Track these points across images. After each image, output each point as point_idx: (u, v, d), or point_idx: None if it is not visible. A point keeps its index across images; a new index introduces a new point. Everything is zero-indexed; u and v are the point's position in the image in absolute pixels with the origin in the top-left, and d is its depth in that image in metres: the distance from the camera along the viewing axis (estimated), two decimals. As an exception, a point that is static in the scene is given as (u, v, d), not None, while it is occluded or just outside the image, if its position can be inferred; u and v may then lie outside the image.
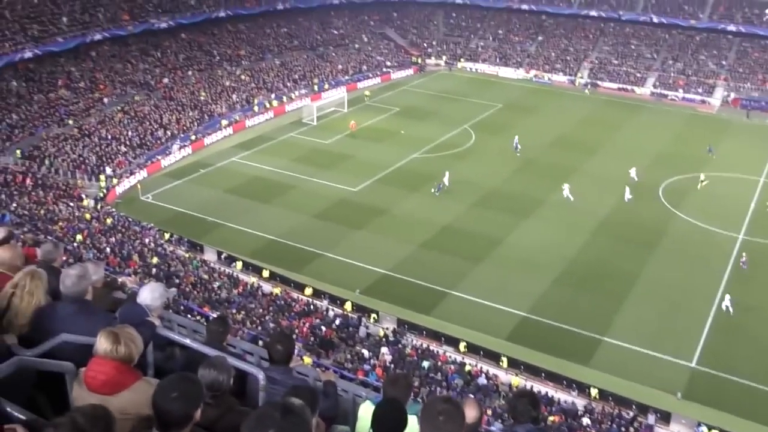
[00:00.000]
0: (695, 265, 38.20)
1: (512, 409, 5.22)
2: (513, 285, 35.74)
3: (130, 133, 52.38)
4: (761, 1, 75.83)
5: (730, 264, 38.38)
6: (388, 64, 78.73)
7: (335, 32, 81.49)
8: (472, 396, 24.66)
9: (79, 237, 35.34)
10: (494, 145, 55.10)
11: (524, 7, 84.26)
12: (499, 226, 41.74)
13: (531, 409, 5.05)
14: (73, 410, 3.16)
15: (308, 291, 34.94)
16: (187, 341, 5.17)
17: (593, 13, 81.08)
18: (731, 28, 74.88)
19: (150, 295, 5.77)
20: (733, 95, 69.89)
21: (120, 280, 9.24)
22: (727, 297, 34.12)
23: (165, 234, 39.83)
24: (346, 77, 73.01)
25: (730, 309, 33.65)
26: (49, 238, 32.21)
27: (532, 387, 28.76)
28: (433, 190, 46.31)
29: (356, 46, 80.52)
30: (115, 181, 46.22)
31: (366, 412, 5.48)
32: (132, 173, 48.05)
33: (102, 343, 4.06)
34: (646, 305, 34.36)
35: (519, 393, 5.28)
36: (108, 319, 4.97)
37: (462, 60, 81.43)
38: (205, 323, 7.56)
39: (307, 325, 31.10)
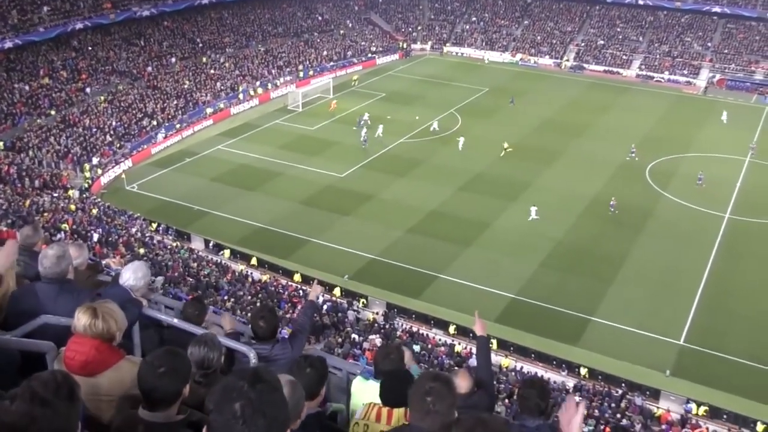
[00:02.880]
0: (682, 245, 38.39)
1: (520, 399, 5.17)
2: (502, 267, 35.81)
3: (114, 122, 51.88)
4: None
5: (716, 243, 38.61)
6: (374, 49, 78.36)
7: (320, 18, 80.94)
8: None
9: (64, 226, 35.05)
10: (481, 129, 55.06)
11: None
12: (487, 210, 41.76)
13: (539, 401, 4.99)
14: (32, 378, 2.77)
15: (297, 277, 34.87)
16: (175, 321, 5.07)
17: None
18: (716, 9, 75.07)
19: (133, 275, 5.57)
20: (718, 76, 70.14)
21: (104, 261, 9.12)
22: None
23: (152, 224, 39.59)
24: (332, 63, 72.62)
25: None
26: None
27: (521, 368, 28.93)
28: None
29: (341, 31, 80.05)
30: (99, 171, 45.83)
31: (358, 387, 5.44)
32: (117, 163, 47.64)
33: (80, 319, 3.86)
34: (634, 285, 34.53)
35: (529, 383, 5.14)
36: (91, 296, 4.82)
37: (448, 44, 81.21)
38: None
39: (297, 308, 31.04)
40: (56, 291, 4.76)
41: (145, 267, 5.82)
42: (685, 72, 71.56)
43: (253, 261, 36.28)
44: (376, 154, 50.06)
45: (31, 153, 45.26)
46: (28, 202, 37.82)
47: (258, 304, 29.51)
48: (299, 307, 30.84)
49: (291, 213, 41.39)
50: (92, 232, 35.81)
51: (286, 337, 6.10)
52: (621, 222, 40.61)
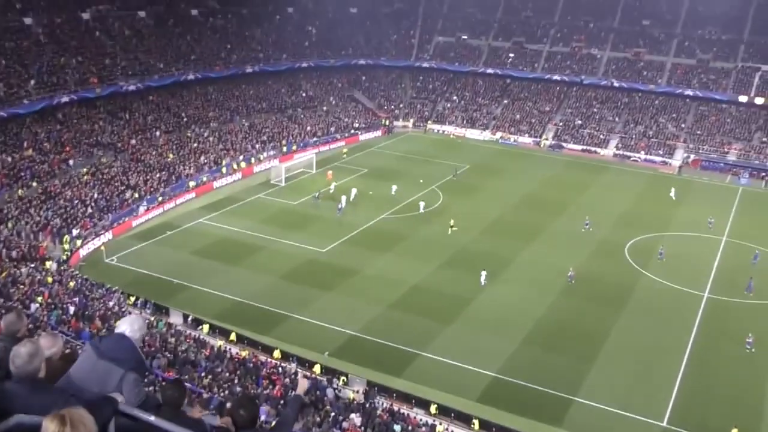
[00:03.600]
0: (663, 323, 38.44)
1: None
2: (483, 345, 35.55)
3: (95, 194, 51.82)
4: (715, 68, 78.96)
5: (696, 322, 38.72)
6: (356, 125, 79.64)
7: (303, 94, 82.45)
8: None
9: (39, 299, 34.47)
10: (462, 206, 55.60)
11: (489, 71, 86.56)
12: (469, 286, 41.74)
13: None
14: None
15: (276, 353, 34.31)
16: (152, 419, 4.92)
17: (556, 77, 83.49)
18: (689, 92, 77.56)
19: (129, 327, 5.62)
20: (692, 156, 71.86)
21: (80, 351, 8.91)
22: None
23: (130, 297, 39.05)
24: (315, 139, 73.59)
25: None
26: (9, 304, 31.46)
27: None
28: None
29: (324, 108, 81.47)
30: (78, 243, 45.45)
31: None
32: (97, 235, 47.34)
33: (48, 428, 3.76)
34: (616, 364, 34.34)
35: None
36: (64, 397, 4.71)
37: (429, 122, 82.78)
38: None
39: (276, 385, 30.43)
40: (28, 391, 4.61)
41: (141, 320, 5.79)
42: (661, 152, 73.29)
43: (232, 336, 35.72)
44: (357, 230, 50.22)
45: (9, 224, 44.90)
46: (4, 274, 37.27)
47: (237, 388, 28.96)
48: (278, 385, 30.27)
49: (272, 287, 41.11)
50: (68, 305, 35.22)
51: (267, 420, 6.00)
52: (601, 299, 40.71)
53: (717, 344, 36.69)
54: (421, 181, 59.48)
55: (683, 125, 76.55)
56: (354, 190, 56.18)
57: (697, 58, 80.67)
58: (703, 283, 43.35)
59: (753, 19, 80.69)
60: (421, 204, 54.43)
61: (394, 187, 57.71)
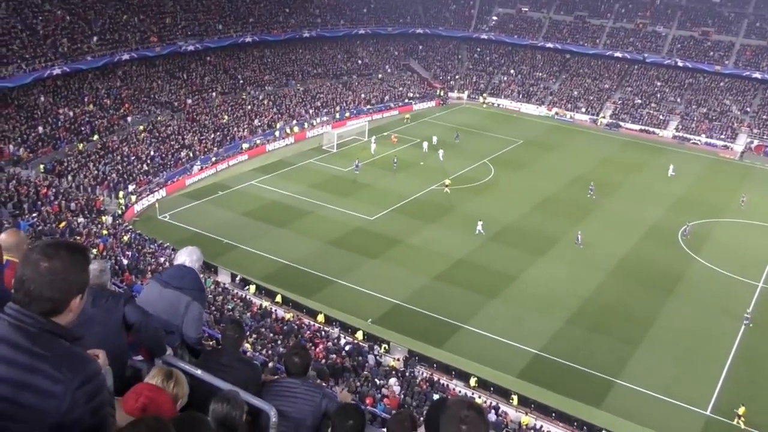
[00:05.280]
0: (713, 311, 37.62)
1: None
2: (527, 322, 35.36)
3: (152, 151, 52.83)
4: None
5: (748, 312, 37.77)
6: (411, 95, 79.16)
7: (359, 62, 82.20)
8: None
9: (95, 251, 35.49)
10: (513, 181, 55.03)
11: (549, 45, 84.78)
12: (515, 262, 41.44)
13: None
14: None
15: (320, 318, 34.75)
16: (198, 372, 5.01)
17: (618, 54, 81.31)
18: (756, 75, 74.68)
19: (189, 257, 5.80)
20: (756, 142, 69.49)
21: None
22: None
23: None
24: (369, 107, 73.45)
25: None
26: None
27: (541, 427, 28.30)
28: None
29: (379, 76, 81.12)
30: (133, 198, 46.51)
31: None
32: (151, 192, 48.36)
33: (154, 377, 4.06)
34: (661, 350, 33.79)
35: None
36: (125, 297, 5.04)
37: (485, 95, 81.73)
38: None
39: (320, 346, 30.87)
40: (92, 295, 4.88)
41: (198, 251, 5.98)
42: (723, 136, 71.02)
43: (278, 298, 36.26)
44: (408, 199, 50.15)
45: (69, 177, 46.17)
46: (63, 224, 38.44)
47: (280, 349, 29.42)
48: (320, 346, 30.68)
49: (319, 252, 41.49)
50: (122, 257, 36.20)
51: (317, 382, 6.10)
52: (651, 283, 39.97)
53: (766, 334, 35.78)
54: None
55: (748, 109, 73.93)
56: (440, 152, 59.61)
57: (768, 39, 77.62)
58: (759, 272, 42.18)
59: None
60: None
61: (441, 152, 59.00)
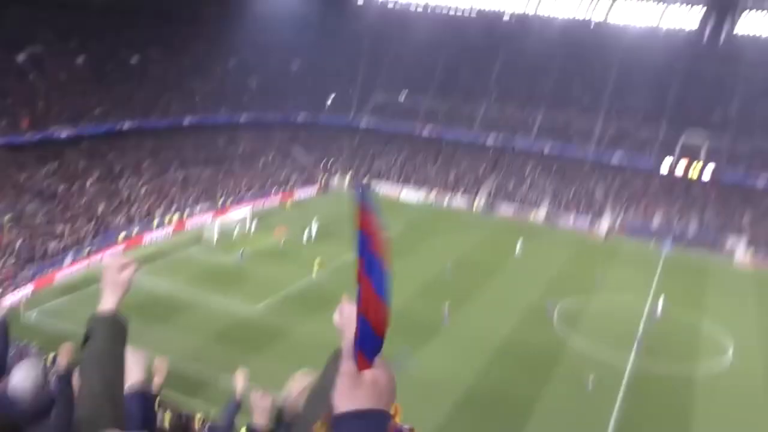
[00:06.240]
0: (586, 390, 39.19)
1: None
2: (412, 410, 35.37)
3: (20, 243, 50.09)
4: (641, 136, 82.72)
5: (622, 386, 39.62)
6: (293, 181, 79.72)
7: (241, 148, 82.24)
8: None
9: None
10: (393, 267, 55.78)
11: (426, 132, 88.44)
12: (399, 349, 41.69)
13: None
14: None
15: (198, 416, 33.33)
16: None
17: (491, 139, 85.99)
18: (615, 159, 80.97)
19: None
20: (619, 221, 74.55)
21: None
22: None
23: (48, 355, 37.50)
24: (251, 193, 73.24)
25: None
26: None
27: None
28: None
29: (261, 162, 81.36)
30: (-3, 295, 43.70)
31: None
32: (17, 287, 45.62)
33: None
34: (542, 433, 34.71)
35: None
36: None
37: (365, 180, 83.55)
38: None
39: None
40: None
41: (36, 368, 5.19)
42: (589, 216, 75.73)
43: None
44: (288, 287, 49.80)
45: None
46: None
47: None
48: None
49: (200, 348, 40.20)
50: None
51: None
52: (529, 366, 41.25)
53: (643, 410, 37.55)
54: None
55: (610, 191, 79.51)
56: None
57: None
58: (629, 348, 44.46)
59: (676, 90, 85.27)
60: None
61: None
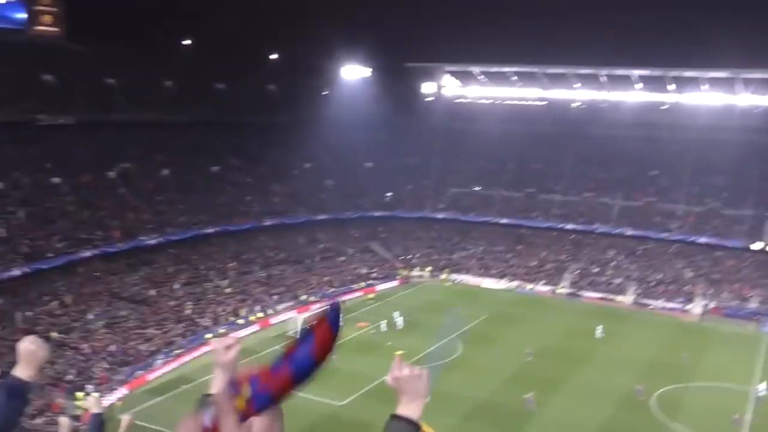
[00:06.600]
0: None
1: None
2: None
3: (114, 347, 51.65)
4: (727, 215, 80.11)
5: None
6: (374, 275, 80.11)
7: (321, 246, 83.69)
8: None
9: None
10: (481, 356, 54.77)
11: (504, 221, 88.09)
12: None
13: None
14: None
15: None
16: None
17: (569, 226, 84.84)
18: (702, 240, 78.32)
19: None
20: (712, 304, 71.16)
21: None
22: None
23: (142, 456, 37.92)
24: (332, 290, 73.86)
25: None
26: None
27: None
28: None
29: (341, 258, 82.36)
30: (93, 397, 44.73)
31: None
32: (113, 390, 46.71)
33: None
34: None
35: None
36: None
37: (445, 271, 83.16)
38: None
39: None
40: None
41: None
42: (680, 299, 72.65)
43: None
44: (375, 382, 49.21)
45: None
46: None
47: None
48: None
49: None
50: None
51: None
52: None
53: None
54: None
55: (700, 272, 76.49)
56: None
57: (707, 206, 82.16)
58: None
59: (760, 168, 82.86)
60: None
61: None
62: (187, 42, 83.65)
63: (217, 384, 3.92)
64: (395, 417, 3.22)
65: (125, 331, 54.54)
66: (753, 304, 70.30)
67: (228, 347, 4.00)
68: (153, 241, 65.14)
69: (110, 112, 72.44)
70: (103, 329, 53.51)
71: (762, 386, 47.91)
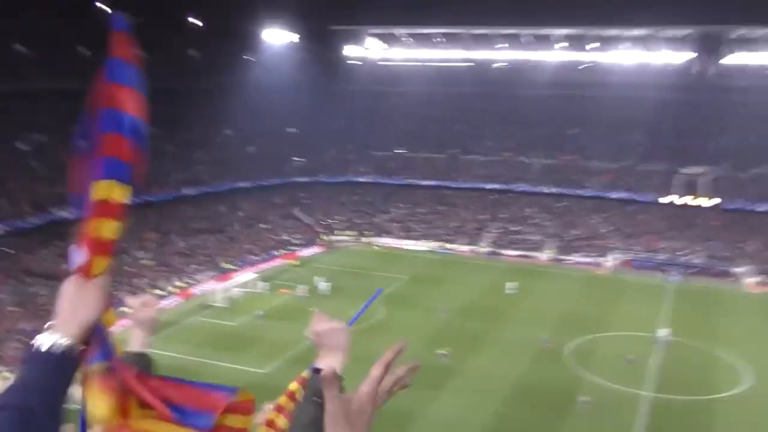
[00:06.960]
0: (606, 425, 38.52)
1: None
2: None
3: (26, 327, 50.17)
4: (641, 170, 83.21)
5: (635, 420, 38.99)
6: (296, 242, 79.96)
7: (242, 214, 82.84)
8: None
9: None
10: (403, 318, 55.68)
11: (426, 183, 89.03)
12: (412, 401, 41.18)
13: None
14: None
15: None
16: None
17: (490, 186, 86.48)
18: (615, 195, 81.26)
19: None
20: (624, 257, 74.19)
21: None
22: None
23: None
24: (254, 257, 73.45)
25: None
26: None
27: None
28: None
29: (263, 226, 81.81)
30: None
31: None
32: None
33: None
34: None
35: None
36: None
37: (367, 235, 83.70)
38: None
39: None
40: None
41: None
42: (593, 254, 75.42)
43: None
44: (298, 347, 49.49)
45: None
46: None
47: None
48: None
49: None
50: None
51: None
52: (545, 406, 40.67)
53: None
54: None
55: (612, 227, 79.45)
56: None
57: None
58: (640, 381, 43.90)
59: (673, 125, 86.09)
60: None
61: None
62: (103, 6, 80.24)
63: (134, 342, 3.85)
64: (317, 370, 3.16)
65: (38, 308, 52.96)
66: (662, 256, 73.62)
67: (145, 304, 3.93)
68: (66, 214, 63.01)
69: (22, 80, 69.28)
70: (12, 307, 51.85)
71: (663, 331, 50.57)
